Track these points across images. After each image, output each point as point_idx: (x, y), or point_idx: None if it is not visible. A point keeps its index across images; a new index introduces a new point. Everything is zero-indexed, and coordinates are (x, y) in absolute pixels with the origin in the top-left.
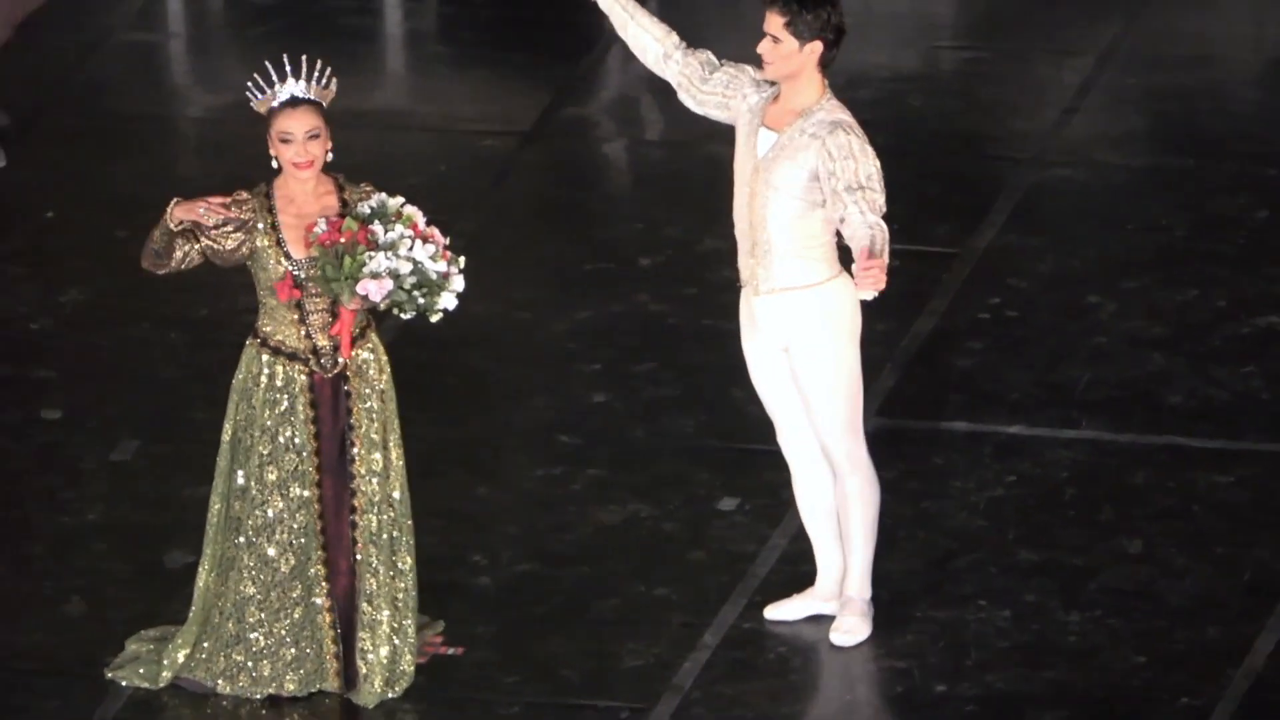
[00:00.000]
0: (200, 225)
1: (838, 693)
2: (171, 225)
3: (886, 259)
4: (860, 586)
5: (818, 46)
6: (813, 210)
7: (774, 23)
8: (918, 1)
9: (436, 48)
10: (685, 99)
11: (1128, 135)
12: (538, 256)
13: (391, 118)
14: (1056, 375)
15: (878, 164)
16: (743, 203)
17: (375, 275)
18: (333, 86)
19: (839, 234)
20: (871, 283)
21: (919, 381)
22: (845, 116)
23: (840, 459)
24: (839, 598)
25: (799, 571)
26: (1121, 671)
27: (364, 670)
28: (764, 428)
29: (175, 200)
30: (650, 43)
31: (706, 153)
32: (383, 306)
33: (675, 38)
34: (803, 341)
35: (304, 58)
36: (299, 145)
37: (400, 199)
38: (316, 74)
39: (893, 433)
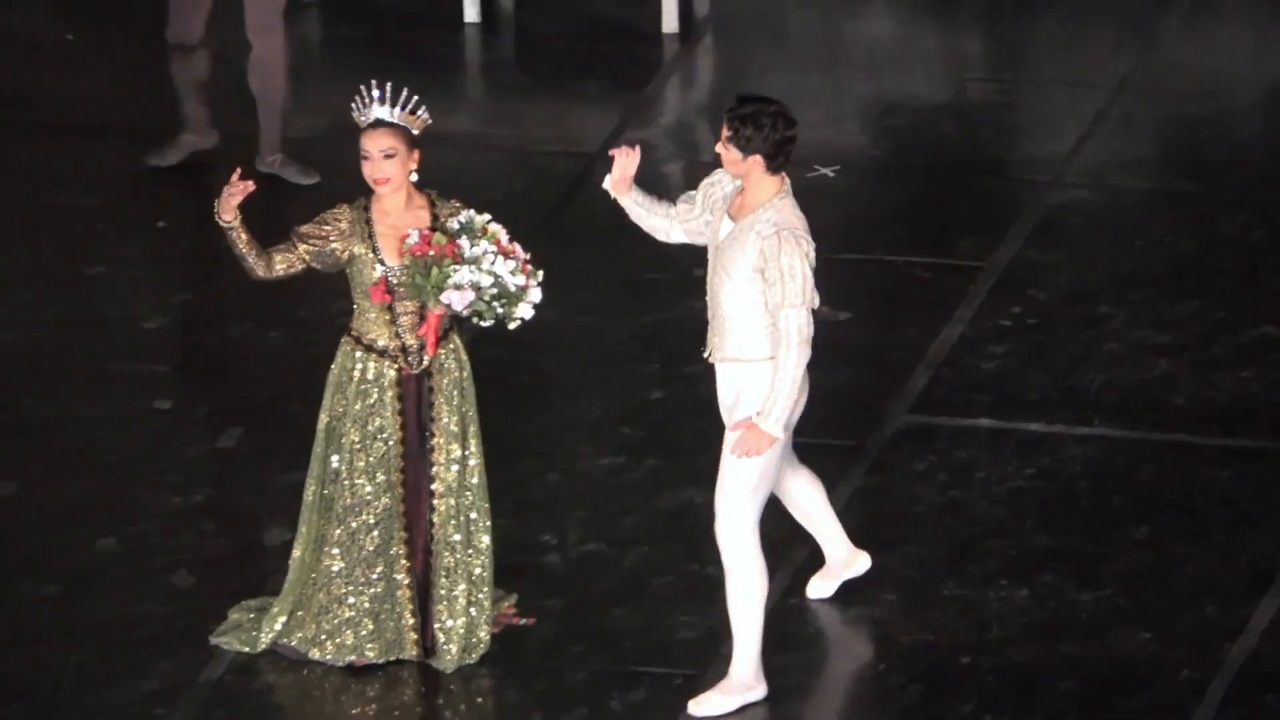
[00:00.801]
0: (302, 235)
1: (871, 664)
2: (223, 225)
3: (769, 423)
4: (743, 664)
5: (759, 159)
6: (759, 296)
7: (724, 131)
8: (948, 38)
9: (513, 76)
10: (695, 238)
11: (1138, 160)
12: (602, 266)
13: (472, 139)
14: (1072, 378)
15: (808, 274)
16: (707, 278)
17: (459, 287)
18: (422, 114)
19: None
20: (750, 444)
21: (946, 383)
22: (789, 219)
23: (728, 535)
24: (842, 566)
25: None
26: (1129, 647)
27: (442, 639)
28: (806, 422)
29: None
30: (660, 223)
31: None
32: (465, 314)
33: (672, 208)
34: (739, 410)
35: (389, 86)
36: (374, 163)
37: (486, 216)
38: (404, 101)
39: (923, 429)
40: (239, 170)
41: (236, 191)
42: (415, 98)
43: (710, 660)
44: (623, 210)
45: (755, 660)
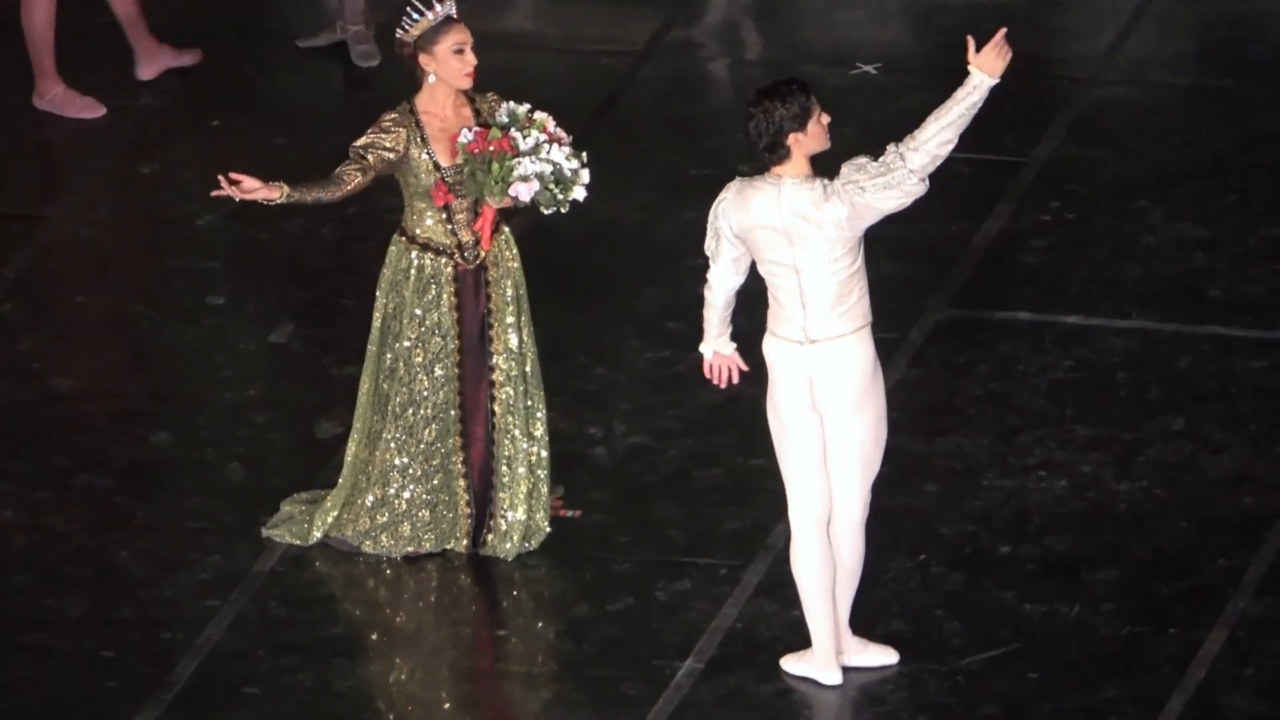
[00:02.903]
0: (365, 148)
1: (913, 552)
2: (279, 203)
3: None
4: (814, 635)
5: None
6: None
7: (818, 113)
8: None
9: None
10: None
11: (1177, 57)
12: (650, 163)
13: (521, 39)
14: (1111, 271)
15: (714, 212)
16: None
17: (524, 178)
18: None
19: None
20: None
21: (988, 276)
22: (742, 186)
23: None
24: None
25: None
26: (1167, 535)
27: (504, 527)
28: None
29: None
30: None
31: (800, 72)
32: (527, 204)
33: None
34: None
35: None
36: (469, 55)
37: (526, 105)
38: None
39: (965, 321)
40: (225, 181)
41: (249, 189)
42: None
43: (755, 551)
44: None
45: (827, 630)
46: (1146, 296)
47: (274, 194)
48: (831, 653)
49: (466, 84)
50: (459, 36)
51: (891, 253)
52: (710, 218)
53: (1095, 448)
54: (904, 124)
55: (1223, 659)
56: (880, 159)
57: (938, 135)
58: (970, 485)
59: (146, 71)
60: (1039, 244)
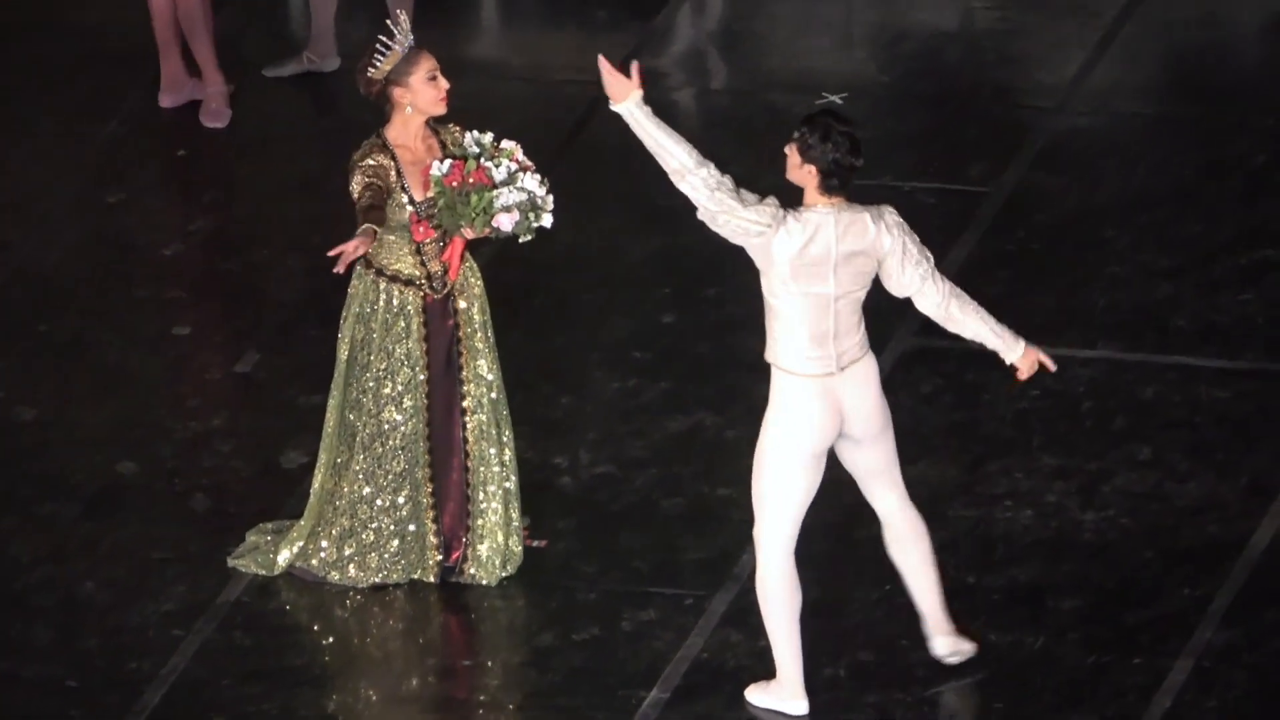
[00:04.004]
0: (370, 198)
1: (879, 581)
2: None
3: (632, 105)
4: (780, 667)
5: (813, 170)
6: (766, 295)
7: (793, 134)
8: None
9: (527, 4)
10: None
11: (1142, 86)
12: (616, 191)
13: (486, 68)
14: (1076, 301)
15: (749, 210)
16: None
17: (507, 209)
18: None
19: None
20: (605, 71)
21: None
22: (803, 215)
23: (755, 535)
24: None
25: (843, 475)
26: (1132, 565)
27: (484, 554)
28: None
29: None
30: (673, 166)
31: (766, 100)
32: (508, 234)
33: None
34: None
35: (390, 20)
36: (442, 79)
37: (490, 134)
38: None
39: (931, 351)
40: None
41: (352, 251)
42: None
43: (721, 581)
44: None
45: (791, 663)
46: (1112, 326)
47: (369, 240)
48: (798, 682)
49: (442, 109)
50: (430, 63)
51: None
52: (748, 207)
53: (1061, 477)
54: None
55: (1188, 688)
56: (921, 251)
57: (963, 316)
58: (936, 514)
59: (168, 99)
60: (1004, 273)
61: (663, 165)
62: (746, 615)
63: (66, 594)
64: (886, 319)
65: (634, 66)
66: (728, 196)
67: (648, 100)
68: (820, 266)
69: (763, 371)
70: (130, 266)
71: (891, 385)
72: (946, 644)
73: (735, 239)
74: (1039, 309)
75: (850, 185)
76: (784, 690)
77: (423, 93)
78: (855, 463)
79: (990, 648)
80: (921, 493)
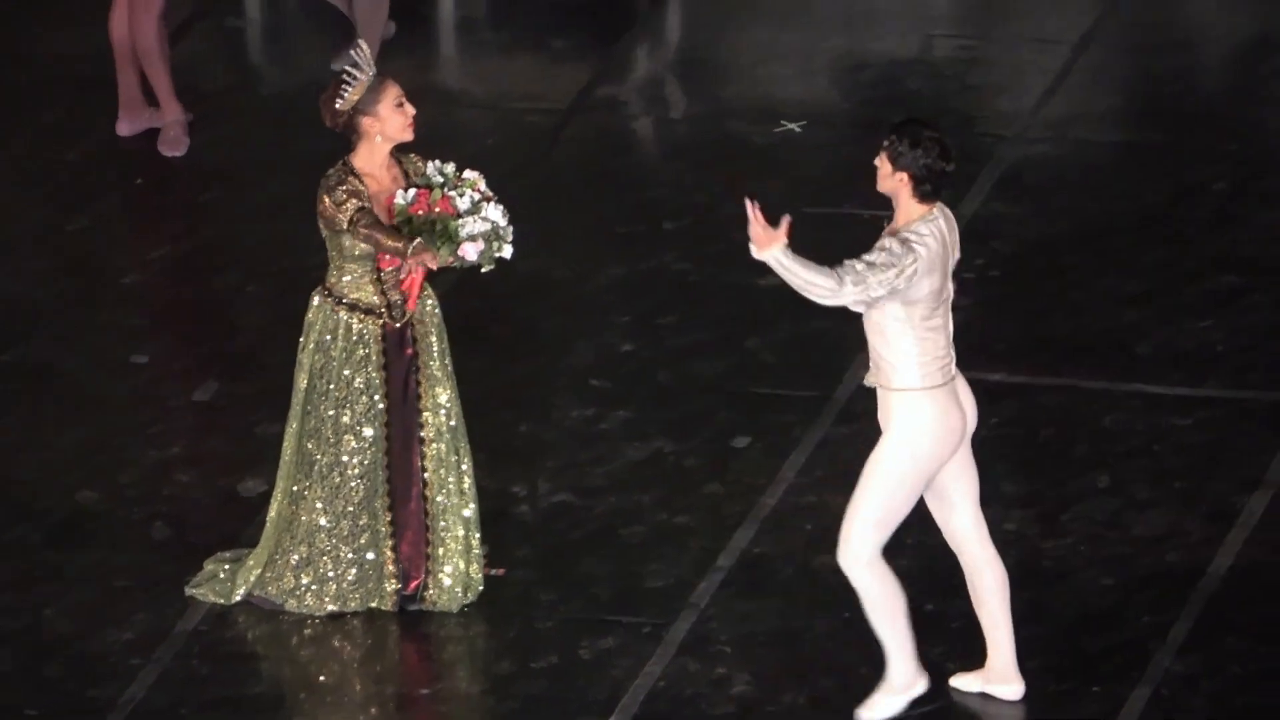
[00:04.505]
0: (366, 221)
1: (838, 610)
2: (408, 255)
3: (776, 251)
4: (892, 665)
5: (905, 177)
6: (898, 319)
7: (882, 143)
8: None
9: (486, 33)
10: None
11: (1104, 114)
12: (576, 220)
13: (447, 96)
14: (1037, 328)
15: (896, 262)
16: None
17: (473, 238)
18: None
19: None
20: (751, 218)
21: None
22: (917, 234)
23: (846, 556)
24: (1006, 679)
25: (803, 502)
26: (1092, 593)
27: (446, 581)
28: (775, 373)
29: (418, 242)
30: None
31: (724, 129)
32: (472, 263)
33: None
34: (883, 435)
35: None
36: (409, 105)
37: (452, 164)
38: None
39: None
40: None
41: (414, 281)
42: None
43: (679, 609)
44: (594, 167)
45: (908, 660)
46: (1073, 353)
47: (427, 255)
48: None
49: (410, 135)
50: (396, 90)
51: (819, 310)
52: (893, 259)
53: (1021, 505)
54: (829, 180)
55: (1148, 716)
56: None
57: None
58: (896, 542)
59: (125, 127)
60: (965, 301)
61: (812, 298)
62: (705, 644)
63: (28, 622)
64: (848, 347)
65: (784, 220)
66: (877, 277)
67: (613, 131)
68: (944, 267)
69: (722, 397)
70: (91, 294)
71: (852, 414)
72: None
73: (908, 292)
74: (1000, 336)
75: (942, 191)
76: (905, 682)
77: (391, 120)
78: (948, 472)
79: (950, 676)
80: None
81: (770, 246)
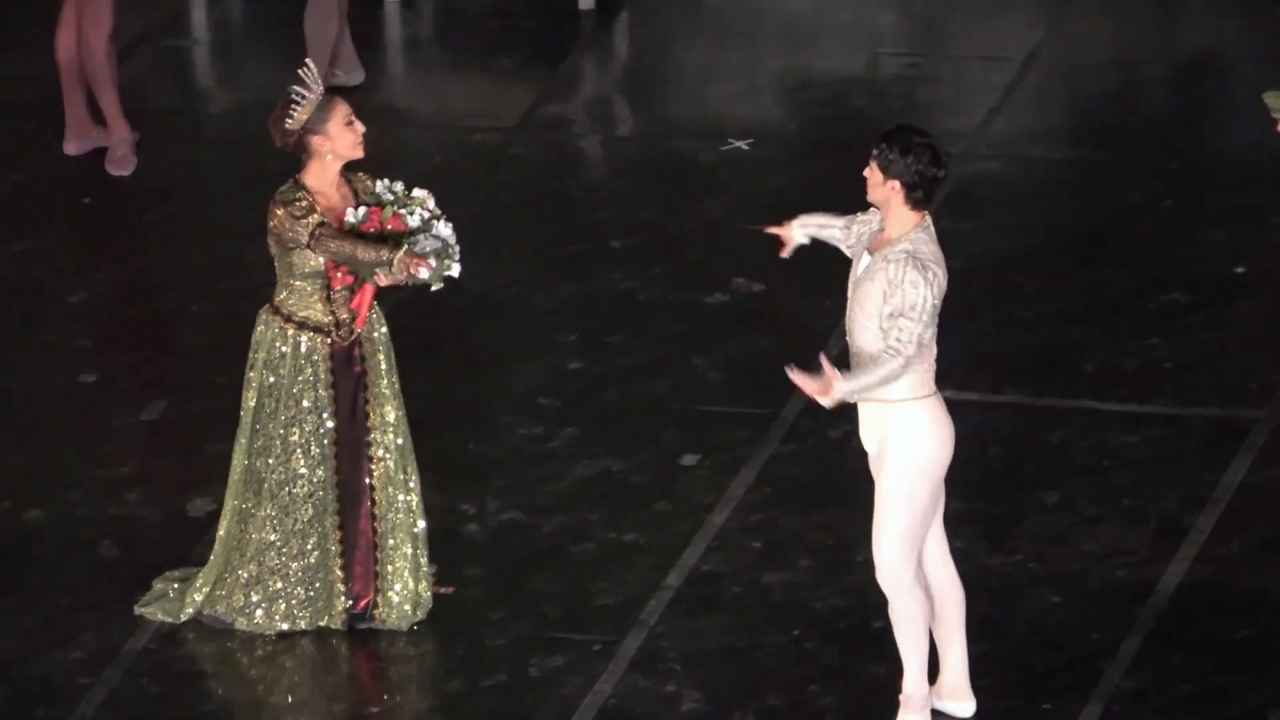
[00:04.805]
0: (327, 233)
1: (787, 627)
2: (392, 264)
3: (841, 388)
4: (916, 684)
5: (897, 185)
6: None
7: (872, 152)
8: (862, 13)
9: (433, 52)
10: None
11: (1049, 132)
12: (524, 239)
13: (394, 115)
14: (984, 345)
15: (929, 297)
16: (846, 317)
17: (424, 256)
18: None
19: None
20: (802, 385)
21: None
22: (924, 250)
23: (885, 577)
24: (957, 695)
25: (751, 520)
26: (1040, 609)
27: (396, 599)
28: (723, 392)
29: (404, 250)
30: (833, 236)
31: (672, 146)
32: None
33: (842, 219)
34: (883, 453)
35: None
36: (358, 122)
37: (400, 184)
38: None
39: None
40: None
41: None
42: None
43: (629, 627)
44: (541, 186)
45: (925, 677)
46: (1020, 370)
47: (411, 260)
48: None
49: (360, 153)
50: (345, 108)
51: (765, 328)
52: (925, 298)
53: (969, 522)
54: (776, 198)
55: None
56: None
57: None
58: (844, 560)
59: (72, 147)
60: None
61: (893, 382)
62: (654, 661)
63: None
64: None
65: (824, 361)
66: (921, 319)
67: (560, 150)
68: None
69: (670, 415)
70: (39, 314)
71: (799, 432)
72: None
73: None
74: (947, 353)
75: (934, 197)
76: (925, 698)
77: (341, 138)
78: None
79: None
80: (831, 539)
81: (833, 392)
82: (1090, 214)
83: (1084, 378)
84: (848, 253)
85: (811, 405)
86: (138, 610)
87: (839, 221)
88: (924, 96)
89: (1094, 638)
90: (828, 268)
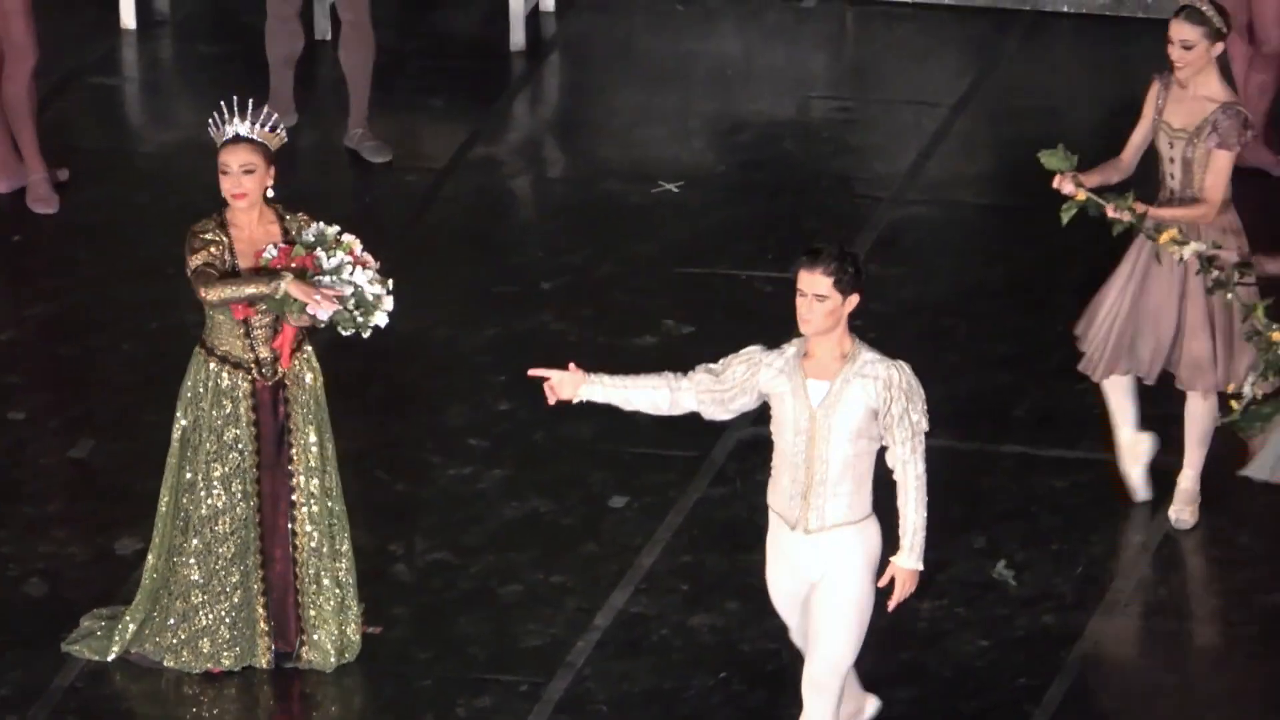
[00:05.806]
0: (205, 266)
1: (714, 670)
2: (276, 295)
3: (915, 561)
4: None
5: (855, 299)
6: (870, 447)
7: (820, 283)
8: (793, 56)
9: None
10: (714, 412)
11: (979, 177)
12: (453, 279)
13: (325, 155)
14: None
15: (922, 393)
16: (799, 450)
17: (324, 286)
18: (281, 133)
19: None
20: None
21: None
22: (881, 357)
23: (819, 697)
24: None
25: (679, 562)
26: (967, 654)
27: (320, 641)
28: (652, 434)
29: (289, 279)
30: (657, 398)
31: (602, 188)
32: (324, 324)
33: (671, 376)
34: (836, 574)
35: (250, 103)
36: (234, 177)
37: (336, 227)
38: (264, 120)
39: (766, 440)
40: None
41: (329, 302)
42: (275, 115)
43: (556, 668)
44: (471, 227)
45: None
46: (949, 415)
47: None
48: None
49: (237, 205)
50: (225, 157)
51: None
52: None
53: None
54: (705, 241)
55: None
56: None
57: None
58: (770, 603)
59: (1, 185)
60: None
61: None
62: (582, 703)
63: None
64: None
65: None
66: (922, 427)
67: (490, 191)
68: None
69: (598, 457)
70: None
71: (726, 474)
72: None
73: None
74: None
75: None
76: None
77: (222, 182)
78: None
79: None
80: (758, 581)
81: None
82: (1019, 259)
83: (1012, 422)
84: (709, 404)
85: (738, 448)
86: (65, 648)
87: (671, 379)
88: (854, 140)
89: (1020, 683)
90: (760, 307)
